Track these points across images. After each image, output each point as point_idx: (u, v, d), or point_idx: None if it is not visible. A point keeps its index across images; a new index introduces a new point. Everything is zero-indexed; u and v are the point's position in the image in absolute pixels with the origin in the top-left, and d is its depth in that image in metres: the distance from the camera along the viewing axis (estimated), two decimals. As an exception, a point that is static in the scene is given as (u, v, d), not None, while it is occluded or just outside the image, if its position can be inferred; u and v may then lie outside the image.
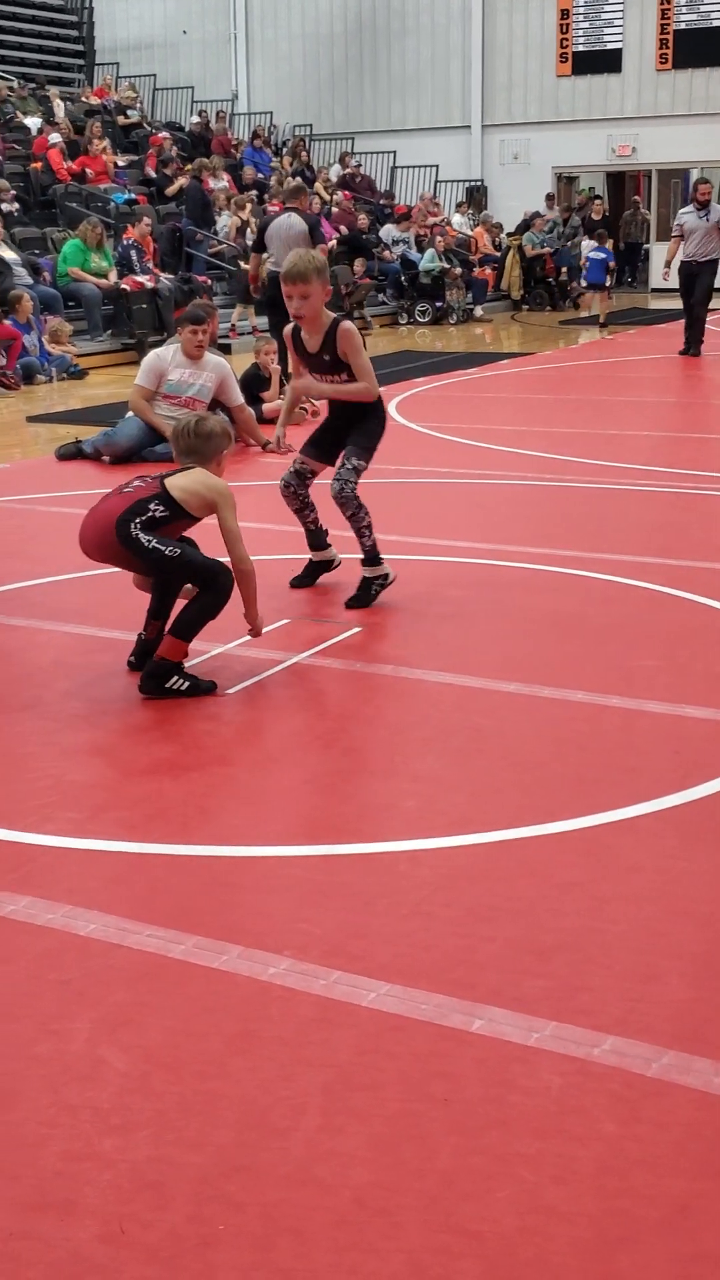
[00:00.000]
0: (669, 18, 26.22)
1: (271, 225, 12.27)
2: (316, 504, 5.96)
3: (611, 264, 20.16)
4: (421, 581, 6.05)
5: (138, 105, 25.23)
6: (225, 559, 4.82)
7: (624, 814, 3.70)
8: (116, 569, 5.04)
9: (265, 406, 10.53)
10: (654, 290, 26.23)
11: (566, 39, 27.08)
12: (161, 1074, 2.59)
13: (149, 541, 4.67)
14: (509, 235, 23.92)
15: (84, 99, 24.38)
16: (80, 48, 28.44)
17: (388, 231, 22.21)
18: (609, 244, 20.16)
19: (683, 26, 26.18)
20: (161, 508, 4.73)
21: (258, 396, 10.60)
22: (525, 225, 23.82)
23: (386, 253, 21.73)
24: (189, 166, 21.21)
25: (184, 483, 4.80)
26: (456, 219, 24.60)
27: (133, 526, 4.67)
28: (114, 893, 3.29)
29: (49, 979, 2.92)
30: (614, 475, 8.51)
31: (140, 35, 30.31)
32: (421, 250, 21.78)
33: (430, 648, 5.20)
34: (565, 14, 26.94)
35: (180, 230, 19.29)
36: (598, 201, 25.01)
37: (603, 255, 19.47)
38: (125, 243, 16.91)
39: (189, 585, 4.87)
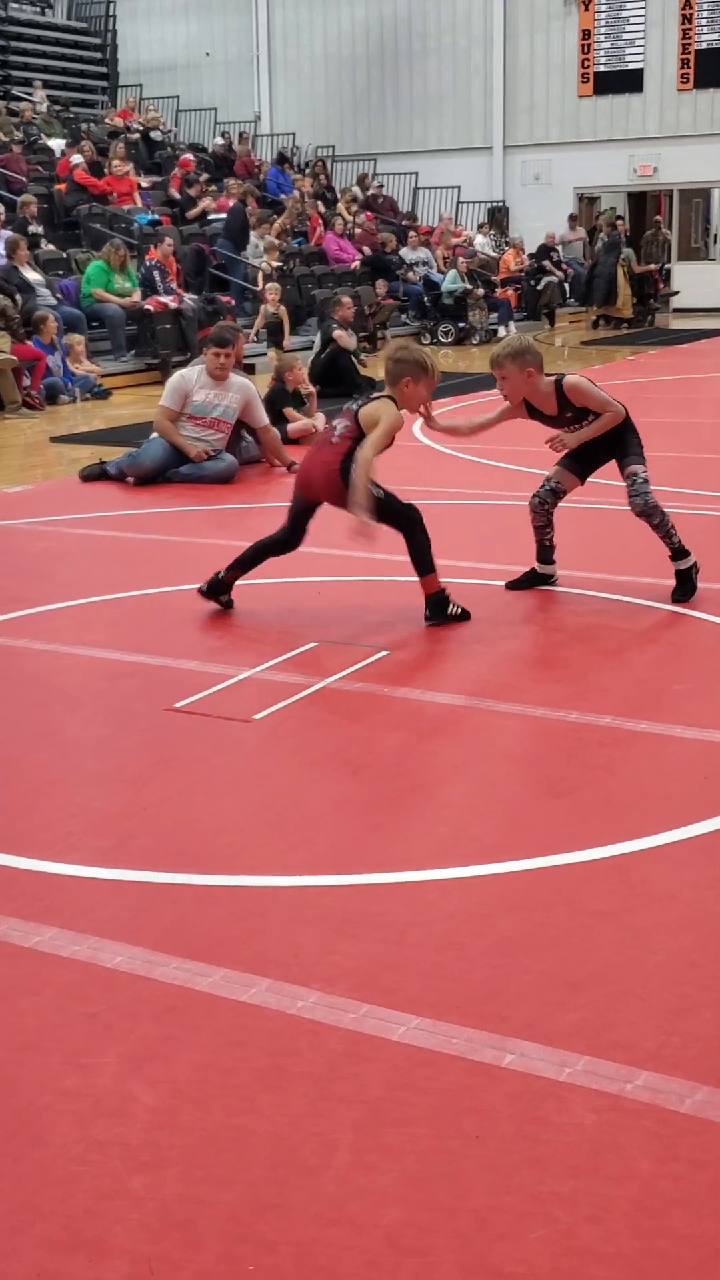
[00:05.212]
0: (690, 37, 26.30)
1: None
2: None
3: None
4: (447, 604, 6.02)
5: (161, 126, 25.35)
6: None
7: (656, 841, 3.66)
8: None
9: (290, 426, 10.53)
10: (676, 310, 26.23)
11: (588, 59, 27.17)
12: (190, 1109, 2.56)
13: None
14: (601, 250, 23.70)
15: (107, 120, 24.51)
16: (104, 70, 28.61)
17: (407, 253, 22.26)
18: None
19: (704, 46, 26.27)
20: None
21: (282, 415, 10.60)
22: (546, 248, 23.81)
23: (410, 274, 21.77)
24: (240, 189, 21.20)
25: (368, 411, 5.58)
26: (479, 240, 24.62)
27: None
28: (140, 924, 3.26)
29: (76, 1011, 2.89)
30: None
31: (163, 57, 30.52)
32: (444, 271, 21.81)
33: (457, 671, 5.18)
34: (586, 34, 27.06)
35: (207, 252, 19.37)
36: (620, 221, 25.01)
37: None
38: (148, 263, 16.98)
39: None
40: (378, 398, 5.67)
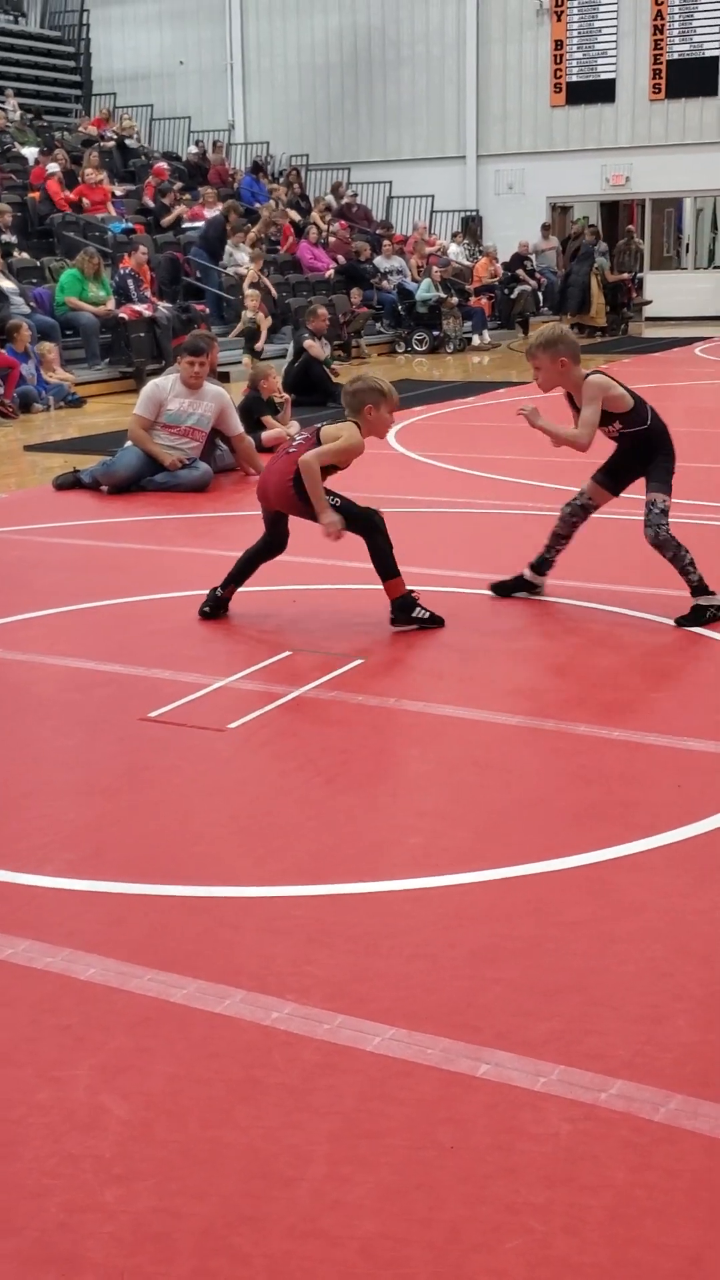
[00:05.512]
0: (662, 48, 26.42)
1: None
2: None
3: None
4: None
5: (135, 135, 25.34)
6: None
7: (629, 850, 3.67)
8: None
9: (265, 434, 10.53)
10: (648, 319, 26.34)
11: (560, 69, 27.27)
12: (164, 1122, 2.55)
13: None
14: (574, 259, 23.76)
15: (81, 129, 24.48)
16: (77, 78, 28.58)
17: (381, 261, 22.31)
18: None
19: (675, 57, 26.39)
20: None
21: (258, 422, 10.59)
22: (520, 257, 23.92)
23: (384, 282, 21.81)
24: (225, 204, 21.18)
25: (329, 430, 5.68)
26: (452, 249, 24.68)
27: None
28: (114, 935, 3.25)
29: (49, 1024, 2.88)
30: (614, 505, 8.46)
31: (137, 66, 30.52)
32: (418, 280, 21.87)
33: (432, 680, 5.18)
34: (559, 44, 27.15)
35: (182, 260, 19.36)
36: (595, 230, 25.12)
37: None
38: (122, 272, 16.96)
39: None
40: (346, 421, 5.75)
